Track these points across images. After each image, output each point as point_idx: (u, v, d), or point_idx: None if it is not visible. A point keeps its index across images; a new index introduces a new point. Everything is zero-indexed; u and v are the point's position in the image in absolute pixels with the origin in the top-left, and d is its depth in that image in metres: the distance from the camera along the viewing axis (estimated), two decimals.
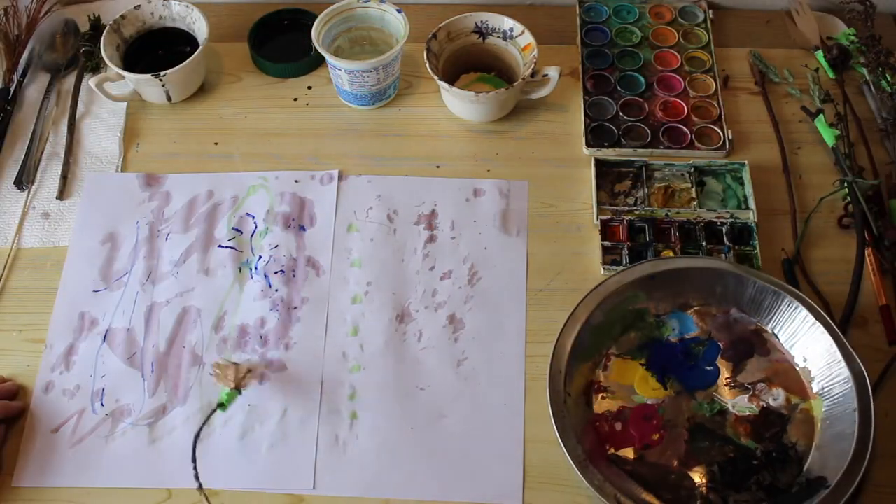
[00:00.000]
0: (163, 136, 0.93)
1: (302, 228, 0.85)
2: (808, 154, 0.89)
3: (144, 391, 0.76)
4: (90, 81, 0.91)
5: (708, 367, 0.76)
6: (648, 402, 0.74)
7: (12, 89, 0.96)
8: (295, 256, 0.83)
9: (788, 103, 0.93)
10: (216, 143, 0.92)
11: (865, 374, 0.70)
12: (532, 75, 0.88)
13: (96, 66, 0.98)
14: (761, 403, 0.74)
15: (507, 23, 0.90)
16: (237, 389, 0.72)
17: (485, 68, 0.95)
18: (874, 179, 0.85)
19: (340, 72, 0.88)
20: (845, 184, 0.85)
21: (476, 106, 0.89)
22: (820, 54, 0.96)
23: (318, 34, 0.89)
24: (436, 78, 0.87)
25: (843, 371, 0.71)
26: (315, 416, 0.75)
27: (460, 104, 0.91)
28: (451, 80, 0.92)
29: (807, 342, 0.74)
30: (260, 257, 0.83)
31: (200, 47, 0.91)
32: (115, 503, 0.71)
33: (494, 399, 0.75)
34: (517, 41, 0.91)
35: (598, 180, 0.86)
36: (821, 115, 0.89)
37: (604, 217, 0.84)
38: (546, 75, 0.89)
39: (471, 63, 0.94)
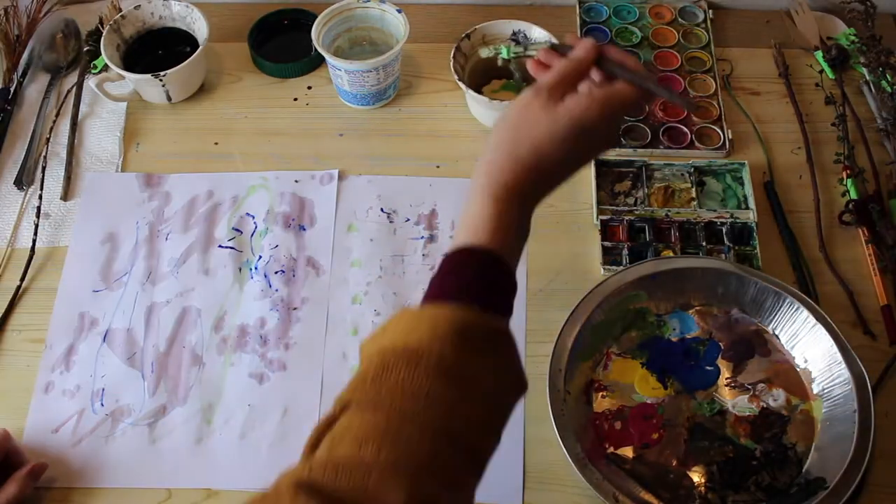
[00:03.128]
0: (163, 136, 0.93)
1: (302, 228, 0.85)
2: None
3: (144, 391, 0.76)
4: (90, 81, 0.91)
5: (708, 367, 0.76)
6: (648, 402, 0.74)
7: (12, 89, 0.96)
8: (295, 256, 0.83)
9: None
10: (216, 143, 0.92)
11: (866, 375, 0.70)
12: None
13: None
14: (761, 404, 0.74)
15: (544, 35, 0.89)
16: None
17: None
18: (874, 179, 0.86)
19: (340, 72, 0.88)
20: (845, 183, 0.85)
21: (491, 112, 0.89)
22: (819, 54, 0.96)
23: (318, 34, 0.89)
24: (455, 78, 0.87)
25: (843, 372, 0.71)
26: (315, 416, 0.75)
27: (480, 109, 0.90)
28: (481, 83, 0.92)
29: (808, 343, 0.74)
30: (260, 257, 0.83)
31: (200, 47, 0.91)
32: (115, 503, 0.71)
33: None
34: None
35: (598, 180, 0.86)
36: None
37: (604, 217, 0.84)
38: None
39: (504, 69, 0.93)
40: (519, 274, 0.81)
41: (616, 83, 0.58)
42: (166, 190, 0.88)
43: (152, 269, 0.83)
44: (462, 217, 0.56)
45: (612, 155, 0.88)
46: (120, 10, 0.95)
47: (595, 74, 0.59)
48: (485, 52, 0.77)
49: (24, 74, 0.98)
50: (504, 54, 0.74)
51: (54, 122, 0.93)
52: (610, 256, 0.82)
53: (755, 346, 0.77)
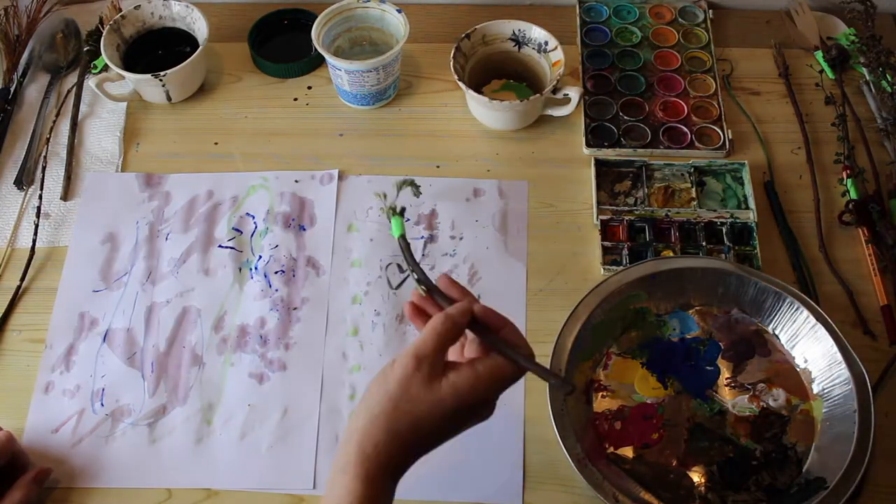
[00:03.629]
0: (163, 136, 0.93)
1: (302, 228, 0.85)
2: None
3: (144, 391, 0.76)
4: (90, 81, 0.91)
5: (708, 367, 0.76)
6: (648, 402, 0.74)
7: (12, 89, 0.96)
8: (295, 256, 0.83)
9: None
10: (216, 143, 0.92)
11: (866, 375, 0.70)
12: (554, 92, 0.88)
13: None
14: (761, 404, 0.74)
15: (543, 35, 0.90)
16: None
17: (517, 77, 0.94)
18: (874, 179, 0.86)
19: (340, 72, 0.88)
20: (845, 183, 0.85)
21: (490, 112, 0.89)
22: (819, 54, 0.96)
23: (318, 34, 0.89)
24: (455, 78, 0.87)
25: (843, 372, 0.71)
26: (315, 416, 0.75)
27: (480, 109, 0.90)
28: (481, 83, 0.93)
29: (808, 343, 0.74)
30: (260, 257, 0.83)
31: (200, 47, 0.91)
32: (115, 503, 0.71)
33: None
34: (549, 56, 0.90)
35: (598, 180, 0.86)
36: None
37: (604, 217, 0.84)
38: (566, 95, 0.89)
39: (504, 69, 0.94)
40: (519, 274, 0.82)
41: (496, 357, 0.56)
42: (166, 190, 0.88)
43: (152, 269, 0.83)
44: (327, 491, 0.54)
45: (612, 155, 0.88)
46: (120, 10, 0.95)
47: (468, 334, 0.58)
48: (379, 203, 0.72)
49: (24, 74, 0.98)
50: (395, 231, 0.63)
51: (54, 122, 0.93)
52: (610, 256, 0.82)
53: (755, 346, 0.77)
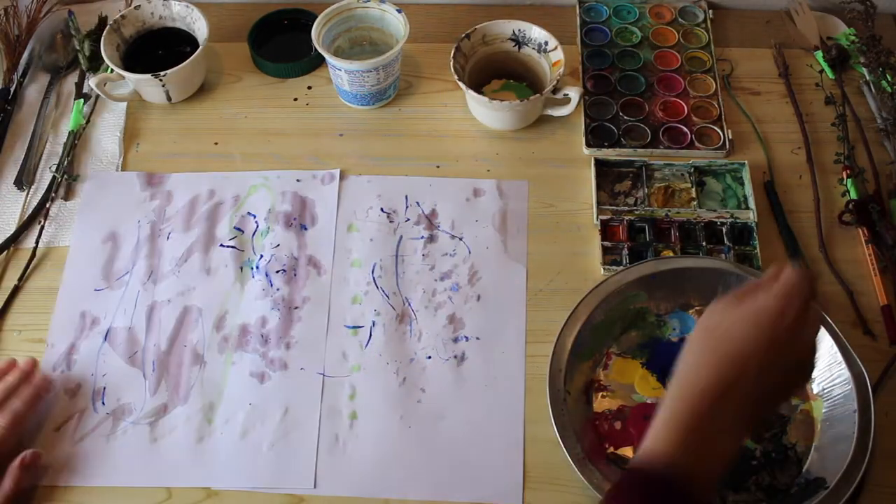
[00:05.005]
0: (163, 136, 0.93)
1: (303, 228, 0.85)
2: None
3: (146, 390, 0.76)
4: (90, 81, 0.91)
5: None
6: (648, 402, 0.74)
7: (12, 89, 0.96)
8: (296, 256, 0.83)
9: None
10: (216, 143, 0.92)
11: (866, 375, 0.70)
12: (554, 92, 0.88)
13: (97, 67, 0.98)
14: None
15: (543, 35, 0.90)
16: None
17: (517, 77, 0.94)
18: (874, 179, 0.86)
19: (340, 72, 0.89)
20: (845, 183, 0.85)
21: (490, 112, 0.89)
22: (819, 54, 0.96)
23: (318, 34, 0.89)
24: (455, 78, 0.87)
25: (843, 372, 0.71)
26: (315, 416, 0.75)
27: (480, 109, 0.90)
28: (481, 83, 0.93)
29: None
30: (261, 256, 0.83)
31: (200, 47, 0.91)
32: (116, 502, 0.71)
33: (494, 399, 0.75)
34: (549, 56, 0.90)
35: (598, 180, 0.86)
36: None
37: (604, 217, 0.84)
38: (566, 94, 0.89)
39: (504, 69, 0.94)
40: (519, 274, 0.82)
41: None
42: (168, 189, 0.88)
43: (154, 268, 0.83)
44: (654, 420, 0.55)
45: (612, 155, 0.88)
46: (129, 6, 0.95)
47: None
48: None
49: (24, 74, 0.98)
50: None
51: (54, 122, 0.93)
52: (610, 256, 0.82)
53: None
